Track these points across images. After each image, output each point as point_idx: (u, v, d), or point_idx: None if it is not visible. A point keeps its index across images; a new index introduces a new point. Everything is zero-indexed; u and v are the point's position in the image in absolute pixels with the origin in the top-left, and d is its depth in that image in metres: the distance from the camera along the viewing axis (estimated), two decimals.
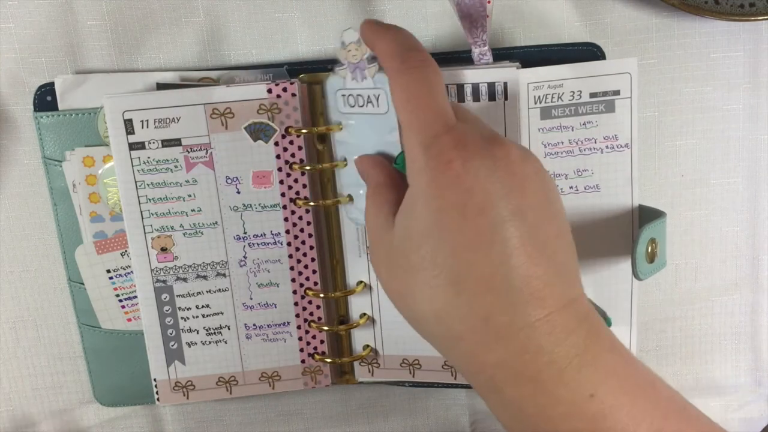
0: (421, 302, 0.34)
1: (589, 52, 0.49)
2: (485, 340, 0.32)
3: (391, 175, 0.39)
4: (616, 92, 0.46)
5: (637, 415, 0.32)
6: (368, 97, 0.42)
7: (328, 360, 0.50)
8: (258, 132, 0.46)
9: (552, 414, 0.32)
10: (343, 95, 0.43)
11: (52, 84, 0.48)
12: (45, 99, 0.49)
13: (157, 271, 0.48)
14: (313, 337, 0.50)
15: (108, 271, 0.50)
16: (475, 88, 0.45)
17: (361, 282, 0.49)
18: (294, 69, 0.49)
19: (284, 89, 0.46)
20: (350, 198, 0.47)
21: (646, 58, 0.51)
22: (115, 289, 0.51)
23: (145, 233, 0.47)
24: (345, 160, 0.46)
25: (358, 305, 0.50)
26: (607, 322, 0.46)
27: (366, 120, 0.43)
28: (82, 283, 0.51)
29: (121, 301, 0.51)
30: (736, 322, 0.55)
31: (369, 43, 0.38)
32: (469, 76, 0.45)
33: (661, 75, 0.51)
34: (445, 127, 0.34)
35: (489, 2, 0.44)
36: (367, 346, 0.51)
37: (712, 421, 0.34)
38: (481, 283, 0.32)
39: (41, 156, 0.49)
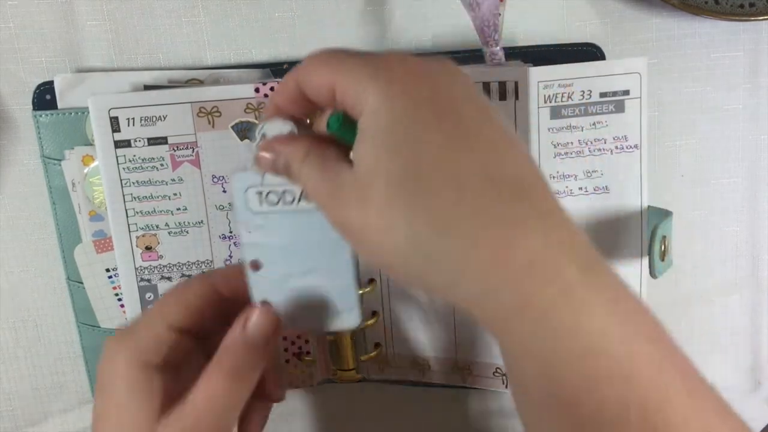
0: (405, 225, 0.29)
1: (589, 52, 0.49)
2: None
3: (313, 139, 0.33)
4: (626, 92, 0.46)
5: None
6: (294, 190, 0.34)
7: (308, 359, 0.50)
8: (245, 131, 0.46)
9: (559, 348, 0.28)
10: (259, 192, 0.34)
11: (51, 83, 0.48)
12: (44, 98, 0.48)
13: (141, 269, 0.48)
14: (298, 337, 0.50)
15: (107, 270, 0.50)
16: (486, 86, 0.45)
17: (372, 280, 0.49)
18: (279, 69, 0.49)
19: (272, 89, 0.46)
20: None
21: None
22: (114, 288, 0.50)
23: (129, 232, 0.47)
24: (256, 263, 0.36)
25: (367, 304, 0.50)
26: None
27: (292, 217, 0.35)
28: (81, 283, 0.50)
29: (120, 300, 0.51)
30: (736, 322, 0.55)
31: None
32: (479, 74, 0.45)
33: (661, 75, 0.51)
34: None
35: (502, 1, 0.44)
36: (378, 344, 0.51)
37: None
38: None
39: (40, 155, 0.49)
